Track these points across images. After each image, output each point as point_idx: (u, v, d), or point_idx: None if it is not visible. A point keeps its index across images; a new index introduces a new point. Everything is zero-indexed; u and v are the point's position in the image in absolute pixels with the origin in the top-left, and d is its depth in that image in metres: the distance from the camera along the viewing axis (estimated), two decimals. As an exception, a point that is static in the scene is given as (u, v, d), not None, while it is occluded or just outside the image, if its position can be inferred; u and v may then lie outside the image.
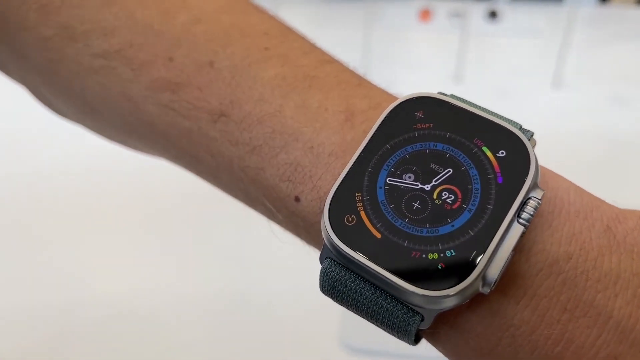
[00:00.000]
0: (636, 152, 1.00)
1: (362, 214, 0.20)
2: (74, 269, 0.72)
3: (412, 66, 1.33)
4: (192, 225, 0.79)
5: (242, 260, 0.74)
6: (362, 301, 0.20)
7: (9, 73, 0.30)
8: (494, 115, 0.22)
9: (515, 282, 0.19)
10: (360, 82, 0.24)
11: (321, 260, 0.21)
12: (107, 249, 0.75)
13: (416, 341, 0.21)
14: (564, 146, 1.00)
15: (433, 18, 1.57)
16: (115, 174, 0.87)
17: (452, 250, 0.19)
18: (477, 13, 1.58)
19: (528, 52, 1.39)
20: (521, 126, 0.22)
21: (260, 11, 0.26)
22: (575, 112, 1.13)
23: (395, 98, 0.24)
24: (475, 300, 0.20)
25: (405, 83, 1.26)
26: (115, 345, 0.64)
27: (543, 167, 0.22)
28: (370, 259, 0.19)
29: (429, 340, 0.22)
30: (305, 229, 0.23)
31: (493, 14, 1.59)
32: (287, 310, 0.68)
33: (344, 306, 0.21)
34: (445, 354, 0.22)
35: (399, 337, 0.20)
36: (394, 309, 0.19)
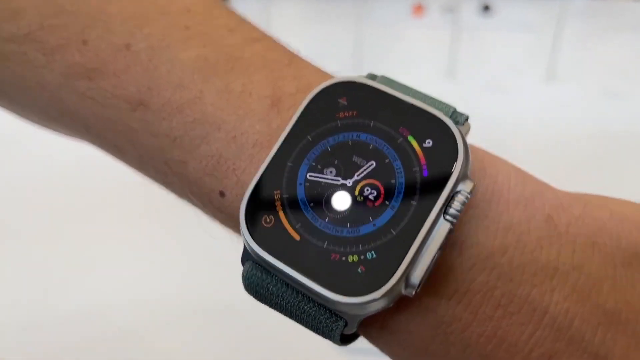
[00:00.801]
0: (628, 144, 0.99)
1: (281, 214, 0.19)
2: (62, 281, 0.71)
3: (405, 62, 1.32)
4: (181, 232, 0.79)
5: (235, 266, 0.73)
6: (285, 305, 0.19)
7: None
8: (423, 100, 0.20)
9: (447, 278, 0.18)
10: (290, 61, 0.22)
11: (242, 262, 0.20)
12: (95, 258, 0.75)
13: (350, 340, 0.20)
14: (558, 139, 0.99)
15: (426, 13, 1.56)
16: (104, 181, 0.86)
17: (372, 252, 0.18)
18: (470, 7, 1.57)
19: (521, 47, 1.38)
20: (455, 110, 0.20)
21: None
22: (568, 106, 1.12)
23: (329, 77, 0.22)
24: (403, 300, 0.18)
25: (398, 79, 1.25)
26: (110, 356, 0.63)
27: (483, 152, 0.20)
28: (289, 264, 0.18)
29: (367, 339, 0.20)
30: (232, 226, 0.21)
31: (486, 8, 1.58)
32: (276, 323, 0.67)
33: (269, 307, 0.19)
34: (382, 351, 0.20)
35: (326, 339, 0.19)
36: (317, 314, 0.18)
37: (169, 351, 0.64)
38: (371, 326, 0.19)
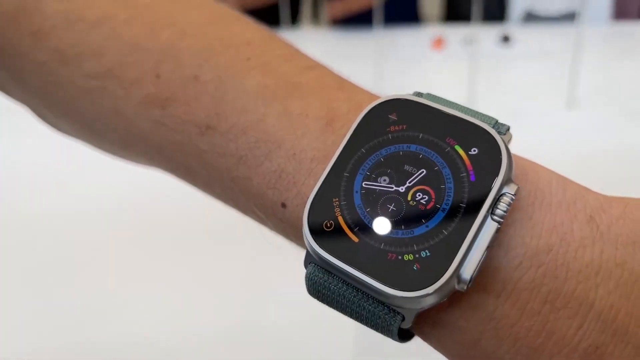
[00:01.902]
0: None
1: (340, 219, 0.20)
2: (80, 310, 0.73)
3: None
4: (199, 258, 0.80)
5: (253, 292, 0.74)
6: (346, 303, 0.20)
7: (11, 95, 0.31)
8: (467, 113, 0.22)
9: (495, 277, 0.20)
10: (341, 86, 0.25)
11: (305, 264, 0.21)
12: (111, 286, 0.76)
13: (407, 338, 0.22)
14: (582, 163, 0.99)
15: (446, 47, 1.59)
16: (121, 210, 0.89)
17: (426, 251, 0.19)
18: (490, 39, 1.59)
19: (541, 74, 1.39)
20: (497, 121, 0.22)
21: (244, 21, 0.27)
22: (591, 130, 1.12)
23: (377, 97, 0.24)
24: (455, 297, 0.20)
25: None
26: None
27: (524, 160, 0.22)
28: (349, 263, 0.20)
29: (419, 336, 0.22)
30: (294, 234, 0.23)
31: (506, 39, 1.60)
32: (299, 340, 0.68)
33: (330, 307, 0.21)
34: (435, 348, 0.22)
35: (384, 335, 0.21)
36: (376, 310, 0.20)
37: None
38: (425, 323, 0.21)
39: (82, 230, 0.85)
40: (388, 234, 0.20)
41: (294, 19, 2.04)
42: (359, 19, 1.72)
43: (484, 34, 1.49)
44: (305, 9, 2.39)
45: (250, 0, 1.77)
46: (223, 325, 0.70)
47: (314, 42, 1.69)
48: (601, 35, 1.59)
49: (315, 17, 2.50)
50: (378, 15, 1.42)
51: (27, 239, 0.84)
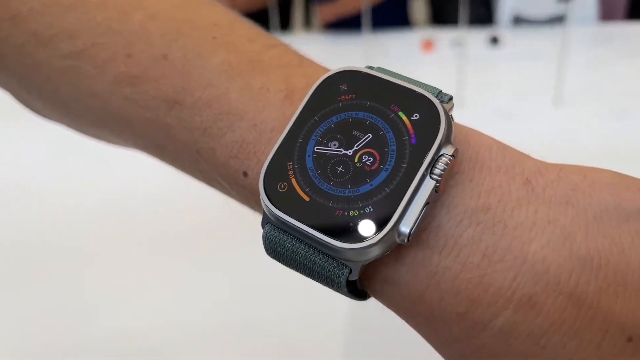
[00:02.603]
0: (634, 163, 1.00)
1: (293, 180, 0.22)
2: (78, 305, 0.74)
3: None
4: (196, 253, 0.82)
5: (250, 287, 0.75)
6: (299, 259, 0.22)
7: None
8: (412, 83, 0.24)
9: (437, 234, 0.21)
10: (301, 62, 0.27)
11: (262, 225, 0.23)
12: (110, 282, 0.77)
13: (361, 297, 0.23)
14: (570, 160, 1.00)
15: (435, 49, 1.60)
16: (119, 206, 0.90)
17: (370, 207, 0.21)
18: (479, 41, 1.61)
19: (529, 74, 1.41)
20: (440, 91, 0.24)
21: (213, 5, 0.29)
22: (578, 128, 1.14)
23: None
24: (401, 254, 0.21)
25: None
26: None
27: (467, 128, 0.24)
28: (300, 220, 0.21)
29: (372, 295, 0.23)
30: (255, 201, 0.25)
31: (494, 40, 1.62)
32: (296, 335, 0.69)
33: (285, 265, 0.22)
34: (387, 306, 0.23)
35: (335, 290, 0.22)
36: (326, 264, 0.21)
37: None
38: (374, 280, 0.22)
39: (80, 228, 0.86)
40: (336, 192, 0.22)
41: (285, 23, 2.06)
42: (349, 23, 1.74)
43: (473, 36, 1.51)
44: (296, 13, 2.42)
45: (241, 6, 1.80)
46: (219, 320, 0.71)
47: (305, 46, 1.69)
48: (588, 36, 1.61)
49: (306, 22, 2.53)
50: (367, 19, 1.44)
51: (24, 238, 0.85)
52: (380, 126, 0.22)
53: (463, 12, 1.32)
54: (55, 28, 0.27)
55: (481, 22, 1.78)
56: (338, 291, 0.22)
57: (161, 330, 0.69)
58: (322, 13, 1.81)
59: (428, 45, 1.61)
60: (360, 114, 0.23)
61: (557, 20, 1.68)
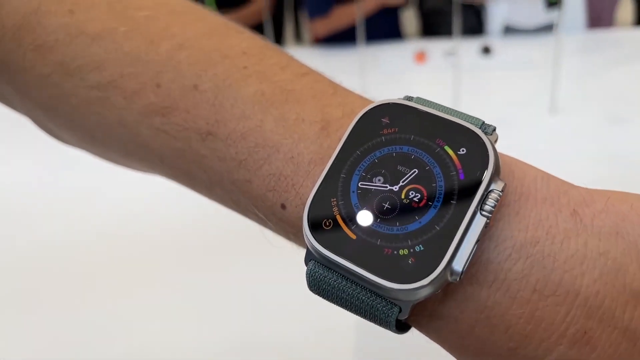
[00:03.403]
0: (630, 167, 1.01)
1: (338, 217, 0.22)
2: (83, 328, 0.73)
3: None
4: (203, 271, 0.81)
5: (256, 304, 0.75)
6: (346, 297, 0.21)
7: (14, 108, 0.32)
8: (455, 115, 0.23)
9: (486, 268, 0.21)
10: (335, 91, 0.26)
11: (306, 262, 0.22)
12: (117, 303, 0.76)
13: (404, 330, 0.23)
14: (566, 168, 1.01)
15: (428, 60, 1.61)
16: (124, 227, 0.89)
17: (420, 246, 0.20)
18: (471, 51, 1.62)
19: (523, 83, 1.42)
20: (483, 122, 0.23)
21: (240, 32, 0.28)
22: (574, 134, 1.15)
23: (369, 101, 0.25)
24: (450, 289, 0.21)
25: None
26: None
27: (510, 158, 0.23)
28: (348, 259, 0.21)
29: (417, 328, 0.23)
30: (293, 234, 0.24)
31: (486, 50, 1.63)
32: (306, 354, 0.69)
33: (330, 302, 0.22)
34: (433, 340, 0.23)
35: (383, 327, 0.22)
36: (374, 303, 0.21)
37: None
38: (421, 315, 0.22)
39: (86, 249, 0.85)
40: (384, 230, 0.21)
41: (278, 38, 2.07)
42: (342, 37, 1.75)
43: (464, 46, 1.53)
44: (289, 28, 2.42)
45: (234, 22, 1.79)
46: (226, 337, 0.70)
47: (302, 58, 1.70)
48: (578, 43, 1.63)
49: (298, 37, 2.53)
50: (361, 32, 1.45)
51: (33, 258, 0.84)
52: (426, 161, 0.22)
53: (455, 22, 1.33)
54: (82, 58, 0.26)
55: (472, 32, 1.79)
56: (385, 328, 0.22)
57: (170, 352, 0.69)
58: (314, 28, 1.81)
59: (421, 56, 1.61)
60: (405, 148, 0.22)
61: (547, 28, 1.69)
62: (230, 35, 0.28)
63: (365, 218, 0.22)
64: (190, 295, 0.77)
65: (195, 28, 0.27)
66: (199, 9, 0.29)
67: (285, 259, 0.26)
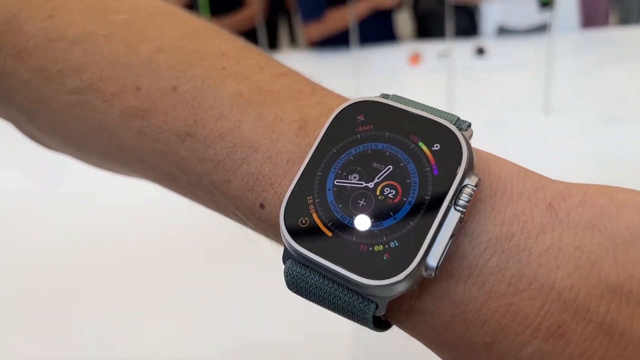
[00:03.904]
0: (633, 166, 1.01)
1: (314, 215, 0.22)
2: (84, 336, 0.73)
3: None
4: (199, 274, 0.81)
5: (254, 306, 0.75)
6: (323, 295, 0.21)
7: None
8: (429, 112, 0.23)
9: (462, 263, 0.21)
10: (313, 91, 0.26)
11: (284, 260, 0.22)
12: (114, 310, 0.76)
13: (384, 327, 0.23)
14: (562, 167, 1.01)
15: (423, 62, 1.62)
16: (120, 232, 0.89)
17: (395, 242, 0.20)
18: (465, 52, 1.63)
19: (517, 84, 1.42)
20: (458, 118, 0.23)
21: (219, 33, 0.28)
22: (569, 134, 1.15)
23: (347, 100, 0.25)
24: (425, 284, 0.21)
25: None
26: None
27: (486, 153, 0.23)
28: (324, 256, 0.21)
29: (395, 324, 0.23)
30: (273, 233, 0.24)
31: (480, 51, 1.64)
32: (301, 352, 0.68)
33: (308, 300, 0.22)
34: (411, 335, 0.23)
35: (361, 324, 0.22)
36: (351, 300, 0.21)
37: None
38: (399, 311, 0.22)
39: (80, 260, 0.85)
40: (359, 227, 0.21)
41: (273, 43, 2.07)
42: (336, 40, 1.75)
43: (459, 48, 1.53)
44: (283, 32, 2.43)
45: (229, 27, 1.80)
46: (224, 339, 0.70)
47: (293, 65, 1.68)
48: (572, 43, 1.63)
49: (293, 40, 2.54)
50: (355, 35, 1.45)
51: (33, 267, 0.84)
52: (401, 157, 0.22)
53: (449, 24, 1.33)
54: (62, 63, 0.27)
55: (466, 33, 1.80)
56: (363, 325, 0.22)
57: (168, 355, 0.69)
58: (308, 32, 1.82)
59: (415, 58, 1.62)
60: (380, 145, 0.22)
61: (541, 29, 1.70)
62: (209, 36, 0.28)
63: (340, 215, 0.22)
64: (187, 298, 0.77)
65: (173, 30, 0.27)
66: (177, 11, 0.29)
67: (273, 245, 0.26)
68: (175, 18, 0.28)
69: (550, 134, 1.16)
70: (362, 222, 0.21)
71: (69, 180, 1.03)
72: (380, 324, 0.22)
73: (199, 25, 0.29)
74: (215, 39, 0.28)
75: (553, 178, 0.23)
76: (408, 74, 1.58)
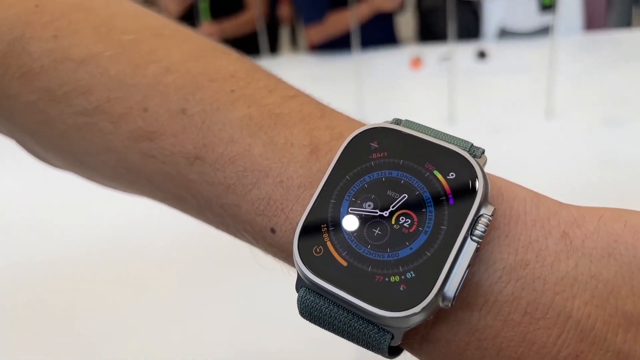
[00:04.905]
0: (629, 170, 1.01)
1: (329, 244, 0.21)
2: (84, 341, 0.73)
3: (406, 111, 1.36)
4: (199, 283, 0.81)
5: (254, 315, 0.75)
6: (337, 324, 0.21)
7: (1, 132, 0.31)
8: (443, 138, 0.23)
9: (477, 291, 0.20)
10: (322, 114, 0.26)
11: (297, 288, 0.22)
12: (115, 318, 0.76)
13: (396, 354, 0.22)
14: (563, 171, 1.01)
15: (424, 65, 1.62)
16: (118, 241, 0.89)
17: (411, 272, 0.20)
18: (467, 55, 1.63)
19: (519, 87, 1.42)
20: (472, 145, 0.23)
21: (227, 54, 0.28)
22: (571, 138, 1.14)
23: (357, 125, 0.25)
24: (441, 313, 0.21)
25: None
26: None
27: (500, 179, 0.23)
28: (339, 286, 0.21)
29: (409, 351, 0.23)
30: (284, 258, 0.24)
31: (482, 54, 1.63)
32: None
33: (322, 328, 0.22)
34: None
35: (375, 353, 0.21)
36: (366, 330, 0.21)
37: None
38: (413, 339, 0.22)
39: (75, 271, 0.85)
40: (374, 257, 0.21)
41: (274, 46, 2.07)
42: (337, 44, 1.75)
43: (460, 51, 1.53)
44: (284, 36, 2.43)
45: (230, 30, 1.80)
46: (224, 348, 0.70)
47: (294, 68, 1.71)
48: (574, 45, 1.63)
49: (294, 44, 2.54)
50: (356, 38, 1.45)
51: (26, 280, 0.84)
52: (416, 186, 0.22)
53: (451, 26, 1.33)
54: (68, 84, 0.26)
55: (468, 32, 1.79)
56: (378, 354, 0.21)
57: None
58: (310, 35, 1.81)
59: (416, 62, 1.61)
60: (394, 173, 0.22)
61: (543, 31, 1.69)
62: (218, 57, 0.27)
63: (355, 244, 0.21)
64: (186, 307, 0.77)
65: (181, 51, 0.27)
66: (183, 30, 0.29)
67: (283, 269, 0.25)
68: (181, 38, 0.28)
69: (553, 138, 1.15)
70: (378, 252, 0.21)
71: (68, 187, 1.03)
72: (392, 351, 0.22)
73: (206, 45, 0.28)
74: (223, 59, 0.27)
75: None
76: (409, 77, 1.57)
